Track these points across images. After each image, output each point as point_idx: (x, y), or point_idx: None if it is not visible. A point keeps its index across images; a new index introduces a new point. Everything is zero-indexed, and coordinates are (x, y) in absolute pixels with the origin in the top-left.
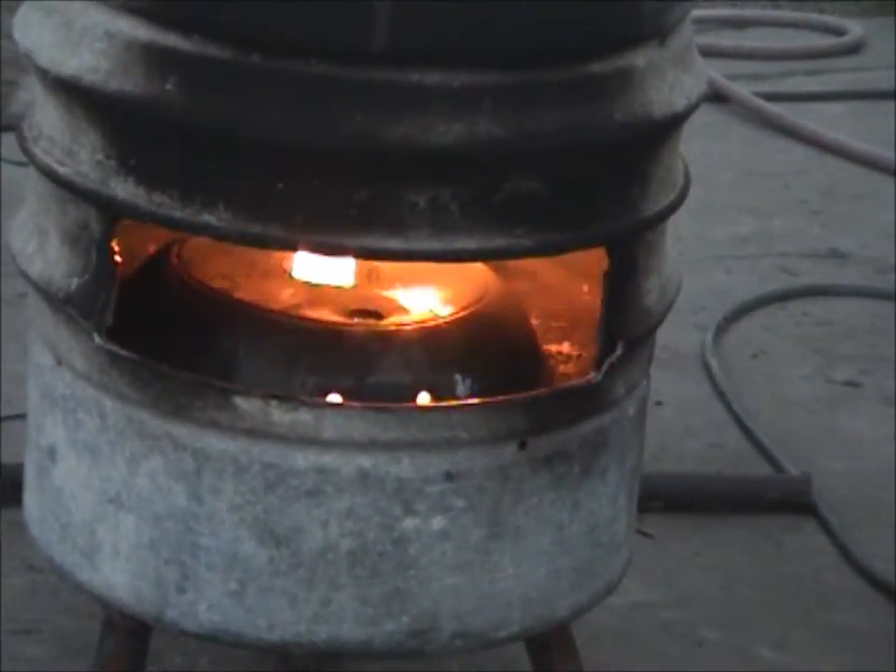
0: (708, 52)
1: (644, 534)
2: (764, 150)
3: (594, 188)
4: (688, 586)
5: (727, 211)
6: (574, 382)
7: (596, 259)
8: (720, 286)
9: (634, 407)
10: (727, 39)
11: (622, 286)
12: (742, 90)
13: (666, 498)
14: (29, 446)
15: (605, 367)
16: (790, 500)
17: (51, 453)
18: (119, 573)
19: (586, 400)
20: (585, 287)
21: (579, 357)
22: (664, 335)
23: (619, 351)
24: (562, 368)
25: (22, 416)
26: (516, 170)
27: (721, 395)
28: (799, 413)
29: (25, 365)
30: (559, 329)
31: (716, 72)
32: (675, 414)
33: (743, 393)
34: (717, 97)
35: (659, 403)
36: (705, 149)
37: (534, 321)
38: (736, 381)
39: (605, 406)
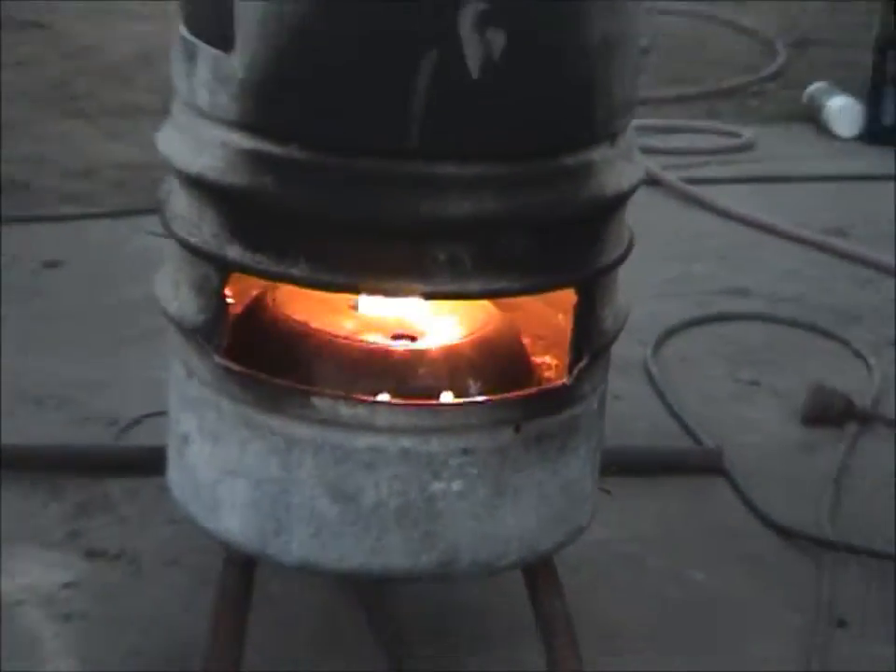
0: (646, 150)
1: (604, 490)
2: (687, 219)
3: (566, 245)
4: (636, 528)
5: (660, 260)
6: (554, 383)
7: (568, 295)
8: (656, 313)
9: (597, 401)
10: (659, 141)
11: (586, 314)
12: (670, 176)
13: (620, 465)
14: (170, 434)
15: (575, 372)
16: (708, 466)
17: (186, 438)
18: (234, 522)
19: (563, 397)
20: (560, 316)
21: (557, 366)
22: (617, 349)
23: (585, 361)
24: (546, 374)
25: (164, 413)
26: (511, 233)
27: (658, 391)
28: (713, 404)
29: (166, 375)
30: (543, 345)
31: (651, 164)
32: (626, 405)
33: (673, 390)
34: (652, 181)
35: (616, 397)
36: (643, 218)
37: (525, 340)
38: (669, 381)
39: (576, 400)
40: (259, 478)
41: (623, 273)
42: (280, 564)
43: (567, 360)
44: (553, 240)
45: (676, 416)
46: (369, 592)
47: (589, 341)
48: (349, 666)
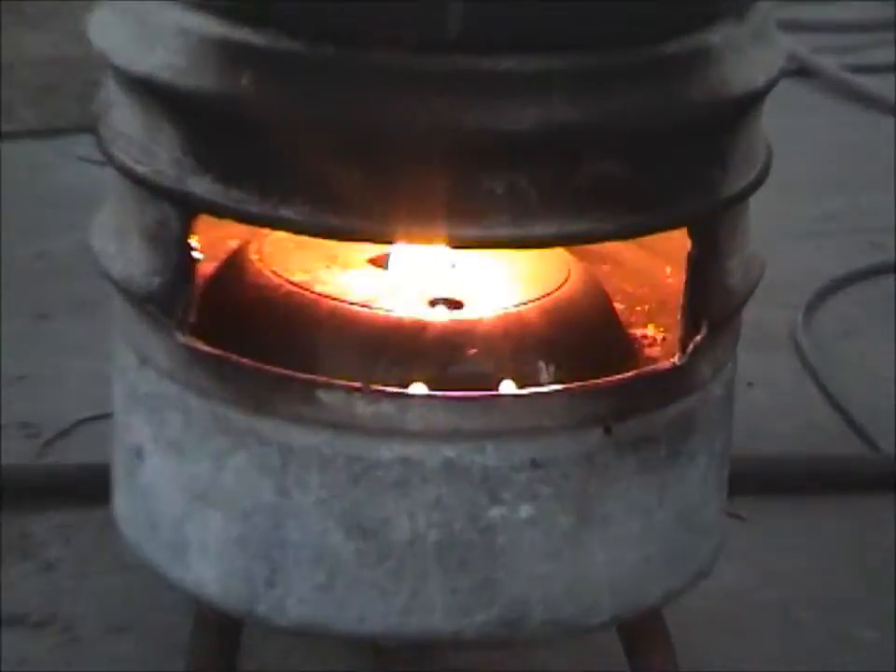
0: (792, 26)
1: (736, 516)
2: (852, 124)
3: (673, 168)
4: (782, 568)
5: (814, 187)
6: (659, 365)
7: (678, 240)
8: (808, 263)
9: (720, 388)
10: (811, 12)
11: (704, 267)
12: (828, 62)
13: (758, 480)
14: (116, 446)
15: (689, 349)
16: (885, 479)
17: (138, 452)
18: (208, 569)
19: (672, 383)
20: (668, 270)
21: (664, 339)
22: (751, 315)
23: (703, 332)
24: (647, 351)
25: (106, 417)
26: (593, 153)
27: (812, 374)
28: (893, 391)
29: (109, 363)
30: (643, 312)
31: (800, 46)
32: (765, 395)
33: (835, 371)
34: (802, 71)
35: (749, 384)
36: (789, 125)
37: (617, 305)
38: (828, 359)
39: (691, 388)
40: (244, 506)
41: (758, 206)
42: (274, 626)
43: (678, 332)
44: (655, 161)
45: (838, 409)
46: (395, 659)
47: (709, 304)
48: None
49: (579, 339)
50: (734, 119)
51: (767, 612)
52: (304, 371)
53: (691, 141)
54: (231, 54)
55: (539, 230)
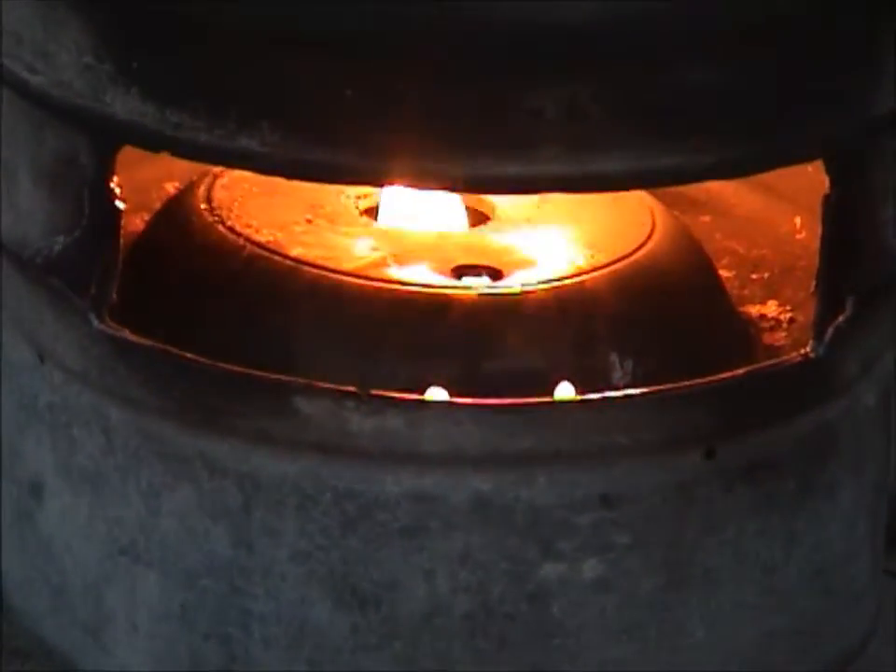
0: None
1: None
2: None
3: (801, 74)
4: None
5: None
6: (784, 358)
7: (811, 179)
8: None
9: (874, 392)
10: None
11: (851, 216)
12: None
13: None
14: (2, 480)
15: (829, 335)
16: None
17: (35, 488)
18: (137, 655)
19: (803, 384)
20: (797, 221)
21: (791, 321)
22: None
23: (849, 311)
24: (767, 338)
25: None
26: (684, 54)
27: None
28: None
29: None
30: (761, 282)
31: None
32: None
33: None
34: None
35: None
36: None
37: (723, 273)
38: None
39: (831, 392)
40: (189, 564)
41: None
42: None
43: (812, 312)
44: (775, 64)
45: None
46: None
47: (857, 270)
48: None
49: (667, 322)
50: (888, 2)
51: None
52: (276, 369)
53: (826, 34)
54: None
55: (607, 164)
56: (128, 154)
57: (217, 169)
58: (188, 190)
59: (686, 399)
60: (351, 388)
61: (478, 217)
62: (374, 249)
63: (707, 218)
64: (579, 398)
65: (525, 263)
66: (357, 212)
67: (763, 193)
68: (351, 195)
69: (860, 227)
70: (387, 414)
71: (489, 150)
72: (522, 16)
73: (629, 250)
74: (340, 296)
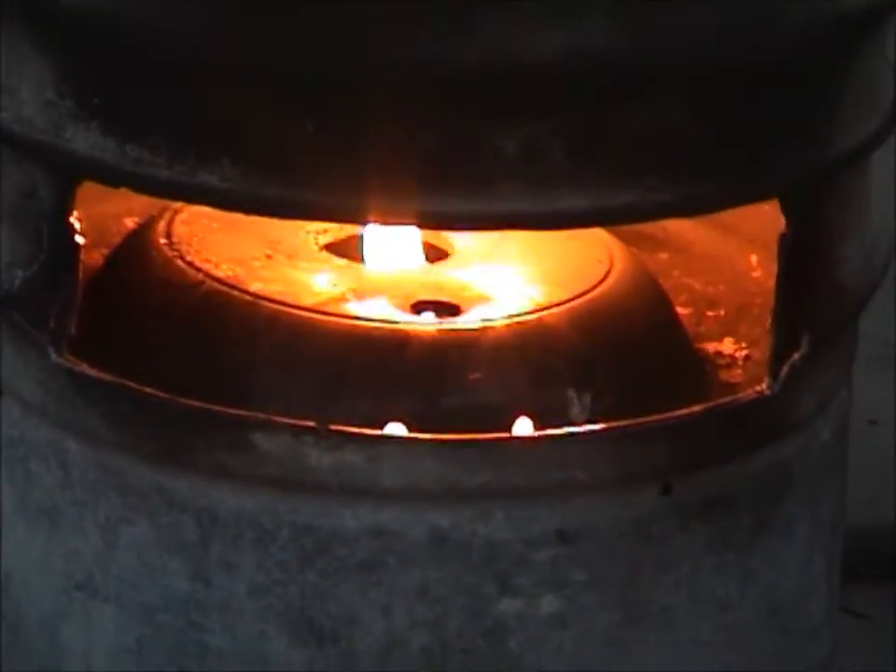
0: None
1: (854, 613)
2: None
3: (757, 114)
4: None
5: None
6: (740, 395)
7: (768, 217)
8: None
9: (830, 429)
10: None
11: (806, 254)
12: None
13: (885, 562)
14: None
15: (784, 372)
16: None
17: None
18: None
19: (759, 421)
20: (754, 259)
21: (746, 358)
22: (872, 323)
23: (804, 349)
24: (723, 375)
25: None
26: (646, 93)
27: None
28: None
29: None
30: (718, 319)
31: None
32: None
33: None
34: None
35: (873, 422)
36: None
37: (680, 310)
38: None
39: (787, 429)
40: (146, 599)
41: (881, 168)
42: None
43: (767, 348)
44: (734, 105)
45: None
46: None
47: (812, 307)
48: None
49: (625, 358)
50: (845, 46)
51: None
52: (234, 404)
53: (784, 77)
54: None
55: (567, 202)
56: (88, 189)
57: (177, 204)
58: (147, 225)
59: (643, 436)
60: (310, 423)
61: (436, 254)
62: (333, 285)
63: (664, 255)
64: (537, 433)
65: (483, 299)
66: (316, 247)
67: (720, 231)
68: (310, 231)
69: (815, 266)
70: (346, 449)
71: (448, 187)
72: (486, 53)
73: (587, 287)
74: (299, 331)
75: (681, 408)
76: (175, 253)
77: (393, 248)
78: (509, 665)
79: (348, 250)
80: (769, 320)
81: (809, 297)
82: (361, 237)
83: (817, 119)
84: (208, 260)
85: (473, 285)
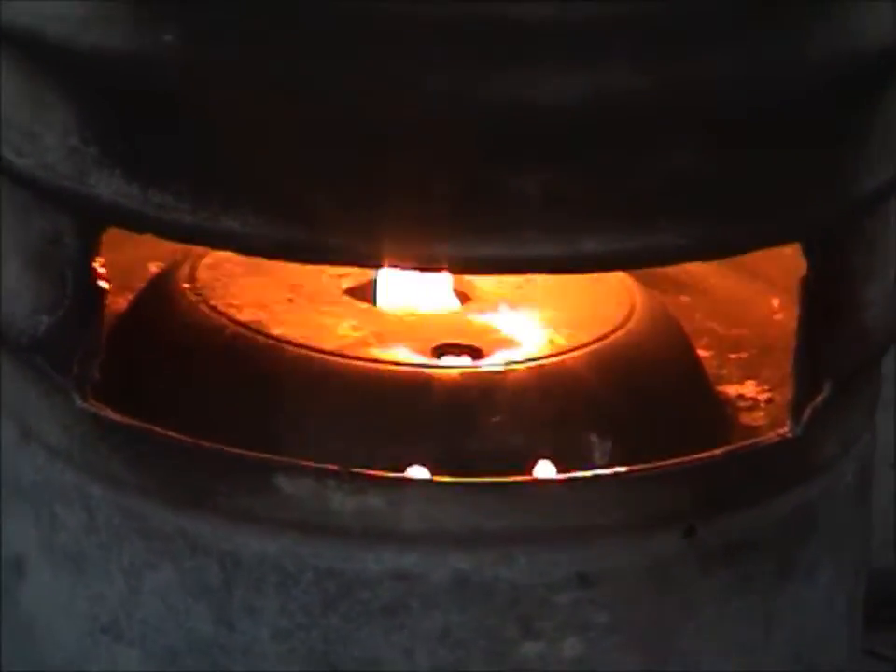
0: None
1: (877, 656)
2: None
3: (781, 158)
4: None
5: None
6: (762, 438)
7: (789, 261)
8: None
9: (854, 472)
10: None
11: (828, 297)
12: None
13: None
14: None
15: (807, 415)
16: None
17: (18, 564)
18: None
19: (781, 464)
20: (776, 302)
21: (769, 401)
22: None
23: (827, 391)
24: (745, 418)
25: None
26: (665, 138)
27: None
28: None
29: None
30: (740, 362)
31: None
32: None
33: None
34: None
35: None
36: None
37: (702, 353)
38: None
39: (810, 472)
40: (170, 642)
41: None
42: None
43: (790, 392)
44: (756, 148)
45: None
46: None
47: (835, 351)
48: None
49: (646, 401)
50: (868, 87)
51: None
52: (257, 448)
53: (805, 119)
54: (148, 1)
55: (588, 246)
56: (112, 235)
57: (201, 249)
58: (171, 270)
59: (665, 479)
60: (333, 467)
61: (458, 297)
62: (356, 329)
63: (686, 298)
64: (559, 476)
65: (505, 342)
66: (338, 291)
67: (742, 274)
68: (333, 275)
69: (837, 309)
70: (369, 493)
71: (472, 232)
72: (506, 96)
73: (609, 330)
74: (321, 375)
75: (703, 451)
76: (199, 297)
77: (415, 292)
78: None
79: (370, 294)
80: (791, 363)
81: (832, 340)
82: (379, 281)
83: (839, 162)
84: (231, 305)
85: (495, 328)
